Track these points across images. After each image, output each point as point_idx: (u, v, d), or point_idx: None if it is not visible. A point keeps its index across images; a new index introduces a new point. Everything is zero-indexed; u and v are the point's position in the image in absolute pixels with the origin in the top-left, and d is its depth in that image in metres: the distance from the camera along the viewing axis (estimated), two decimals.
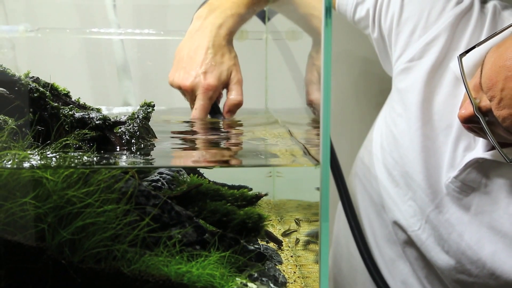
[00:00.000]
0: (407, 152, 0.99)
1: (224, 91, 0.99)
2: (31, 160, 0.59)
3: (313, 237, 0.77)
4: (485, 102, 0.81)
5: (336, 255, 1.26)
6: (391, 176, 1.03)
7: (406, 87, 0.99)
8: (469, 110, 0.84)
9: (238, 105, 0.98)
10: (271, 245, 0.84)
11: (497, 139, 0.83)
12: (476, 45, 0.84)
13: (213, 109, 0.97)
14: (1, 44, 1.14)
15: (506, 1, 0.95)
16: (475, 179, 0.93)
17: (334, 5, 1.11)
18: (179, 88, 0.96)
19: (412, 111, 0.98)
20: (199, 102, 0.93)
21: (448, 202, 0.96)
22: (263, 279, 0.65)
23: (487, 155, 0.90)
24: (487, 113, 0.81)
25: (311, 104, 0.99)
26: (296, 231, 0.87)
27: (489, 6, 0.95)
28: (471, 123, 0.86)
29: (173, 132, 0.91)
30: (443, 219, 0.97)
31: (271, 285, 0.63)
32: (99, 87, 1.26)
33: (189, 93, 0.94)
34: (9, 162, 0.58)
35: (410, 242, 1.03)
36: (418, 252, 1.03)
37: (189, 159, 0.75)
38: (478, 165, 0.91)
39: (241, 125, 0.99)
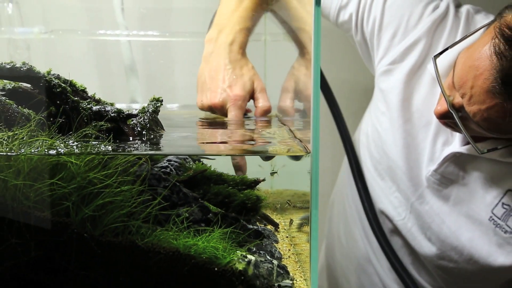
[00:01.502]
0: (390, 148, 1.03)
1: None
2: (57, 147, 0.66)
3: (306, 220, 0.84)
4: (458, 99, 0.85)
5: (329, 246, 1.30)
6: (377, 170, 1.07)
7: (388, 88, 1.03)
8: (444, 106, 0.88)
9: (267, 111, 0.98)
10: (269, 227, 0.91)
11: (471, 133, 0.87)
12: (448, 47, 0.89)
13: None
14: (17, 45, 1.18)
15: (478, 5, 1.00)
16: (453, 172, 0.96)
17: None
18: (210, 108, 0.96)
19: (394, 110, 1.01)
20: (231, 113, 0.93)
21: (429, 194, 1.00)
22: (261, 252, 0.72)
23: (463, 149, 0.94)
24: (460, 109, 0.85)
25: (280, 109, 1.01)
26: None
27: (463, 10, 0.99)
28: (446, 119, 0.90)
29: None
30: (425, 209, 1.01)
31: (268, 257, 0.70)
32: (108, 85, 1.28)
33: (220, 109, 0.94)
34: (38, 149, 0.65)
35: (396, 231, 1.07)
36: (403, 240, 1.07)
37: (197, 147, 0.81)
38: (455, 159, 0.95)
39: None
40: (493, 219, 0.94)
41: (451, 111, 0.86)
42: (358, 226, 1.18)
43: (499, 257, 0.94)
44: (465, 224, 0.97)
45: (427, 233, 1.02)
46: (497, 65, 0.77)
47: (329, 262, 1.31)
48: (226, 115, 0.94)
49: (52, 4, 1.21)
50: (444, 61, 0.90)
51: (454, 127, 0.91)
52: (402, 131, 1.01)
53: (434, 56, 0.89)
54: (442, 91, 0.87)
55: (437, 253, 1.01)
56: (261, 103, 0.97)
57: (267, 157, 0.91)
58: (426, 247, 1.02)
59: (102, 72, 1.28)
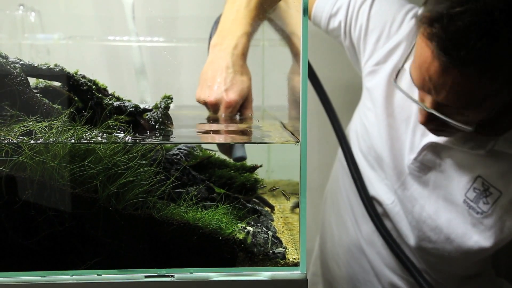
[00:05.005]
0: (376, 140, 1.12)
1: None
2: (88, 135, 0.77)
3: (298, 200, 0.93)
4: (429, 99, 0.92)
5: (322, 236, 1.40)
6: (367, 160, 1.16)
7: (373, 86, 1.12)
8: (423, 113, 0.95)
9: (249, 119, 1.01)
10: (266, 209, 1.01)
11: (458, 121, 0.91)
12: (400, 68, 0.98)
13: None
14: (38, 49, 1.27)
15: None
16: (430, 159, 1.05)
17: (310, 16, 1.21)
18: (205, 103, 1.00)
19: (378, 106, 1.10)
20: (221, 114, 0.97)
21: (411, 180, 1.09)
22: (258, 225, 0.83)
23: (438, 139, 1.03)
24: (436, 107, 0.92)
25: (290, 117, 1.09)
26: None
27: None
28: (432, 121, 0.96)
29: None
30: (407, 194, 1.09)
31: (264, 229, 0.81)
32: (119, 87, 1.35)
33: (213, 108, 0.98)
34: (72, 137, 0.76)
35: (385, 215, 1.15)
36: (392, 224, 1.15)
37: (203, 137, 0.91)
38: (432, 148, 1.04)
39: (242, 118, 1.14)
40: (466, 202, 1.02)
41: (429, 111, 0.93)
42: (349, 214, 1.26)
43: (473, 236, 1.03)
44: (443, 206, 1.05)
45: (409, 216, 1.09)
46: (432, 44, 0.84)
47: (322, 251, 1.39)
48: (216, 113, 1.00)
49: (70, 13, 1.28)
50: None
51: (441, 130, 0.97)
52: (386, 125, 1.09)
53: (394, 79, 0.97)
54: (414, 101, 0.94)
55: (418, 234, 1.08)
56: (247, 112, 1.02)
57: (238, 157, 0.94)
58: (409, 229, 1.10)
59: (115, 74, 1.34)
